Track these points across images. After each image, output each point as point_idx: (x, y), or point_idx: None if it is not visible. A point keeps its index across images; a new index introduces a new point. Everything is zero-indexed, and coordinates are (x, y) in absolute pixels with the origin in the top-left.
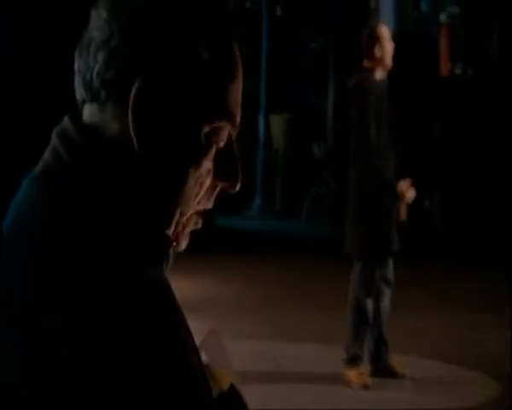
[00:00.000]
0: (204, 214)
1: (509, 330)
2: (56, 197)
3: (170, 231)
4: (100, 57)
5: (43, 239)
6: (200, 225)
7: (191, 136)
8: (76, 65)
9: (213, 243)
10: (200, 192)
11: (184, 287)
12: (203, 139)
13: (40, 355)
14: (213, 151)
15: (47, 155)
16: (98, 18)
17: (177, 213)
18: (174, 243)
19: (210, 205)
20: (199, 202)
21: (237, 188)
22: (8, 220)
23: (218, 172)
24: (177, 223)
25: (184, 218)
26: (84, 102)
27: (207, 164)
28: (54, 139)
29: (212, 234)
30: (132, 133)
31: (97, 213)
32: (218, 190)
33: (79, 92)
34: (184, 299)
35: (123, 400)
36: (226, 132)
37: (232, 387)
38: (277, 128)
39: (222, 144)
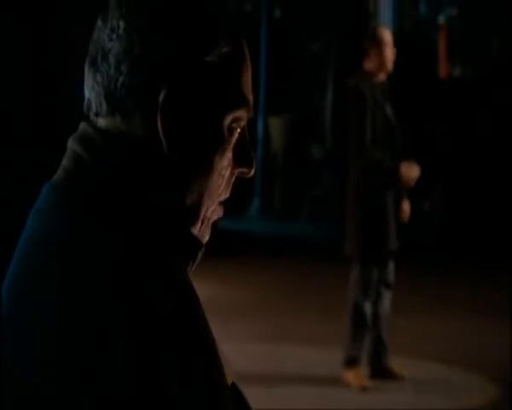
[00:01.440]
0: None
1: (510, 333)
2: (83, 203)
3: (197, 227)
4: (123, 68)
5: (73, 246)
6: (221, 215)
7: (216, 130)
8: (90, 79)
9: (212, 245)
10: (223, 183)
11: None
12: (226, 131)
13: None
14: (234, 139)
15: (67, 162)
16: (113, 29)
17: (204, 210)
18: (203, 247)
19: (228, 194)
20: (220, 193)
21: (253, 172)
22: (29, 232)
23: (235, 159)
24: (204, 217)
25: (209, 211)
26: (98, 114)
27: (229, 154)
28: (73, 146)
29: (211, 236)
30: (162, 137)
31: (128, 213)
32: (234, 177)
33: (97, 103)
34: None
35: (159, 397)
36: (244, 119)
37: (233, 385)
38: (276, 129)
39: (239, 130)
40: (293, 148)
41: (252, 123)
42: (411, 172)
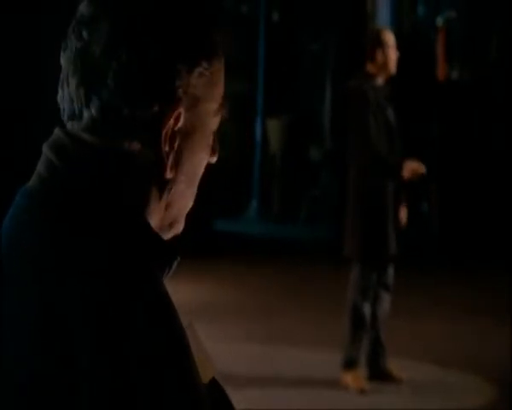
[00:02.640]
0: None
1: (509, 334)
2: (55, 210)
3: (178, 226)
4: (110, 82)
5: (46, 252)
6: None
7: (208, 141)
8: (70, 80)
9: (210, 247)
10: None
11: (181, 291)
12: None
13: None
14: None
15: (41, 168)
16: (100, 33)
17: (184, 211)
18: (179, 257)
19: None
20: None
21: (214, 159)
22: (4, 235)
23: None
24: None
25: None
26: (73, 117)
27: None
28: (47, 152)
29: (209, 238)
30: (165, 158)
31: (98, 222)
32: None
33: (76, 109)
34: (181, 303)
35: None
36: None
37: (213, 380)
38: (274, 131)
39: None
40: (292, 149)
41: (250, 125)
42: (415, 166)
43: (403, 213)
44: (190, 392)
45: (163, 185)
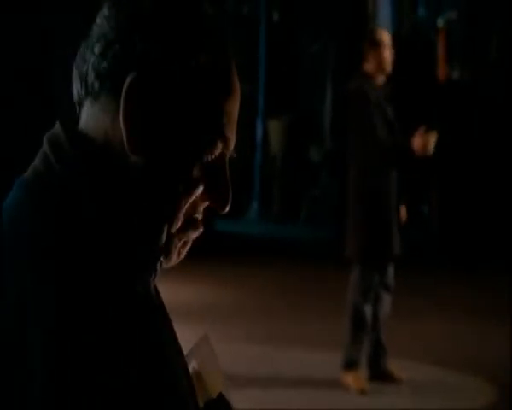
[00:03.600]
0: (201, 223)
1: (509, 334)
2: (45, 205)
3: (161, 243)
4: (96, 50)
5: (30, 246)
6: (199, 232)
7: (182, 137)
8: (74, 66)
9: (211, 248)
10: (189, 201)
11: (182, 291)
12: (195, 143)
13: (25, 364)
14: (204, 159)
15: (37, 160)
16: (100, 17)
17: (166, 222)
18: (162, 258)
19: (200, 216)
20: (187, 213)
21: (226, 209)
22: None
23: (209, 190)
24: (171, 236)
25: (174, 228)
26: (80, 104)
27: (196, 172)
28: (45, 145)
29: (210, 238)
30: (122, 126)
31: (85, 222)
32: (206, 204)
33: (76, 90)
34: (182, 303)
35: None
36: (218, 152)
37: (221, 395)
38: (275, 132)
39: (213, 157)
40: (292, 150)
41: (251, 125)
42: (425, 139)
43: (402, 212)
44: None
45: (134, 173)
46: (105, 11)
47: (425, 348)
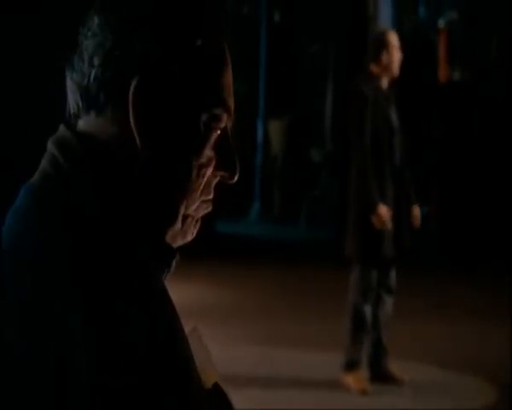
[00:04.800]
0: (208, 210)
1: (509, 335)
2: (57, 207)
3: (177, 228)
4: (96, 61)
5: (46, 250)
6: (209, 209)
7: (191, 126)
8: (68, 78)
9: (212, 248)
10: (203, 182)
11: (183, 292)
12: (202, 128)
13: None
14: (213, 138)
15: (45, 164)
16: (88, 27)
17: (183, 209)
18: (177, 255)
19: (211, 194)
20: (201, 193)
21: (236, 178)
22: (6, 231)
23: (217, 163)
24: (185, 217)
25: (191, 209)
26: (77, 115)
27: (208, 152)
28: (51, 148)
29: (210, 239)
30: (134, 130)
31: (100, 221)
32: (217, 180)
33: (73, 104)
34: (183, 304)
35: (130, 402)
36: (223, 119)
37: (216, 385)
38: (276, 132)
39: (219, 131)
40: (293, 150)
41: (252, 126)
42: (385, 216)
43: (416, 212)
44: (182, 390)
45: (146, 167)
46: (95, 20)
47: (425, 348)
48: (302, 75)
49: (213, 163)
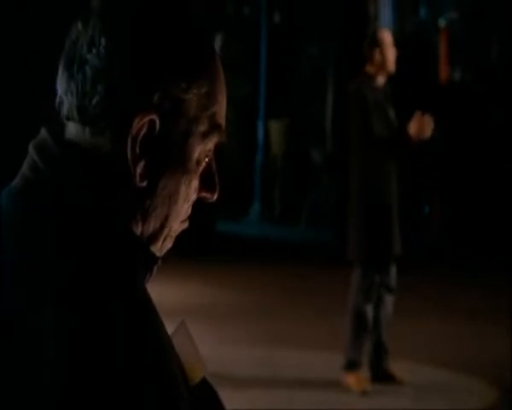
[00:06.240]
0: (202, 220)
1: (509, 335)
2: (37, 213)
3: (159, 245)
4: (100, 89)
5: (25, 254)
6: (186, 226)
7: (186, 161)
8: (64, 81)
9: (212, 249)
10: (188, 207)
11: (183, 292)
12: (195, 162)
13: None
14: (201, 168)
15: (25, 168)
16: (93, 41)
17: (167, 230)
18: (159, 262)
19: (189, 212)
20: (184, 214)
21: (215, 197)
22: None
23: (200, 186)
24: (166, 235)
25: (173, 231)
26: (69, 119)
27: (195, 182)
28: (32, 153)
29: (211, 240)
30: (130, 163)
31: (79, 228)
32: (196, 196)
33: (68, 107)
34: (183, 303)
35: (111, 402)
36: (213, 146)
37: (204, 380)
38: (276, 134)
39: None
40: (293, 152)
41: (252, 127)
42: (422, 122)
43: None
44: (169, 394)
45: (139, 194)
46: (102, 40)
47: (425, 349)
48: (302, 76)
49: (197, 187)
